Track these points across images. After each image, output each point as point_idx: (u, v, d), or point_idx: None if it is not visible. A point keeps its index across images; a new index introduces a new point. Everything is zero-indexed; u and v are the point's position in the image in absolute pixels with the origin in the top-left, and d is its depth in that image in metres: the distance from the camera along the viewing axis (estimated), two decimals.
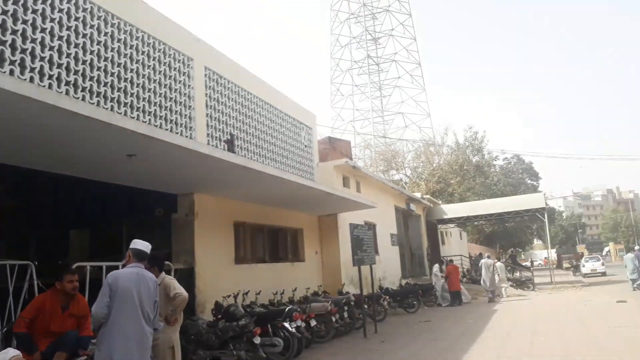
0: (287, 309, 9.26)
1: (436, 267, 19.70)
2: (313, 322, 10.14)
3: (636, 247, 33.00)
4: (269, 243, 13.21)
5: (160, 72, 9.78)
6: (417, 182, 37.16)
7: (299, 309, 9.69)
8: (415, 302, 16.82)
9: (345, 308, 11.83)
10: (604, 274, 34.35)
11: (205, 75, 11.21)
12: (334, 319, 11.09)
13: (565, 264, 45.08)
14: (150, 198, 9.74)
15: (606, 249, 77.41)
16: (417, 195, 26.69)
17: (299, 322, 9.17)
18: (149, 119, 9.28)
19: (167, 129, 9.60)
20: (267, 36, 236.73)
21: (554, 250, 60.44)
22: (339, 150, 16.76)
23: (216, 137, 11.29)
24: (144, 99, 9.21)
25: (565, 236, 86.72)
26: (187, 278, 9.31)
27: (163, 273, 5.93)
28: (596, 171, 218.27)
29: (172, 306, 5.65)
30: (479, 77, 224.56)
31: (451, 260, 20.39)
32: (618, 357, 7.16)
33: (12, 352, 4.40)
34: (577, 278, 31.71)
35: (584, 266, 35.81)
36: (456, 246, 36.00)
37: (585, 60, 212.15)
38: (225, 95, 11.88)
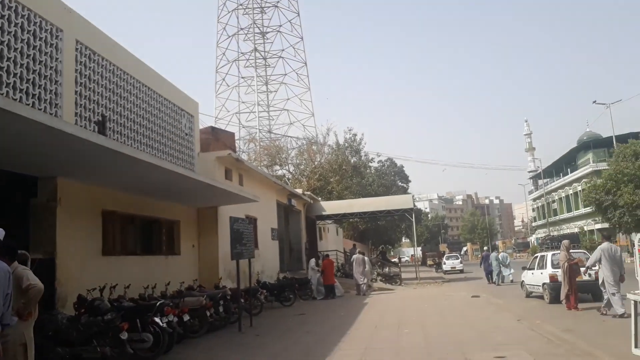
0: (158, 304, 8.82)
1: (313, 261, 20.19)
2: (186, 317, 9.79)
3: (485, 248, 36.92)
4: (142, 235, 12.48)
5: (23, 40, 8.73)
6: (299, 179, 37.71)
7: (171, 304, 9.29)
8: (291, 296, 17.05)
9: (221, 302, 11.60)
10: (461, 271, 37.80)
11: (77, 49, 10.25)
12: (208, 314, 10.80)
13: (429, 262, 48.87)
14: (6, 180, 8.66)
15: (464, 248, 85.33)
16: (299, 191, 27.09)
17: (171, 317, 8.78)
18: (7, 91, 8.23)
19: (28, 104, 8.60)
20: (149, 18, 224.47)
21: (420, 248, 65.29)
22: (222, 142, 16.36)
23: (86, 118, 10.37)
24: (1, 68, 8.15)
25: (430, 235, 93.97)
26: (47, 269, 8.42)
27: (16, 263, 5.28)
28: (458, 178, 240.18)
29: (24, 299, 5.06)
30: (362, 82, 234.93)
31: (327, 255, 21.00)
32: (471, 346, 7.85)
33: None
34: (439, 274, 34.47)
35: (444, 264, 39.13)
36: (333, 241, 37.22)
37: (455, 72, 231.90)
38: (98, 73, 10.95)
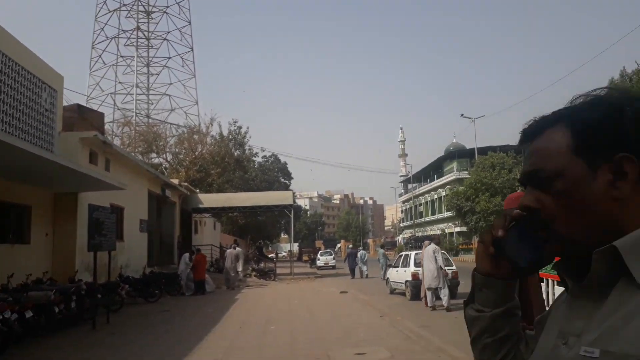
0: None
1: (187, 256, 19.36)
2: (29, 314, 8.70)
3: (350, 246, 38.62)
4: None
5: None
6: (177, 169, 36.08)
7: (10, 299, 8.19)
8: (157, 292, 16.17)
9: (74, 298, 10.53)
10: (334, 267, 39.01)
11: None
12: (57, 310, 9.74)
13: (305, 257, 49.92)
14: None
15: (338, 245, 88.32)
16: (175, 182, 25.86)
17: (9, 314, 7.73)
18: None
19: None
20: None
21: (297, 244, 66.35)
22: (89, 122, 14.94)
23: None
24: None
25: (307, 232, 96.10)
26: None
27: None
28: (338, 178, 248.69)
29: None
30: (251, 75, 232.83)
31: (199, 250, 20.29)
32: (335, 342, 7.96)
33: None
34: (313, 270, 35.21)
35: (319, 259, 40.10)
36: (209, 236, 36.22)
37: (341, 77, 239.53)
38: None
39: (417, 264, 14.65)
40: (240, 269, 21.98)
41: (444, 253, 15.17)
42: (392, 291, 16.78)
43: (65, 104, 15.25)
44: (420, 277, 13.62)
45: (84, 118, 14.93)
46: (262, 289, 20.61)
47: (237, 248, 23.61)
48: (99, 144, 14.64)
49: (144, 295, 15.91)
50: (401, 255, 16.81)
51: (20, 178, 11.53)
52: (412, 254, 15.36)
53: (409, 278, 14.68)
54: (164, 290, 17.28)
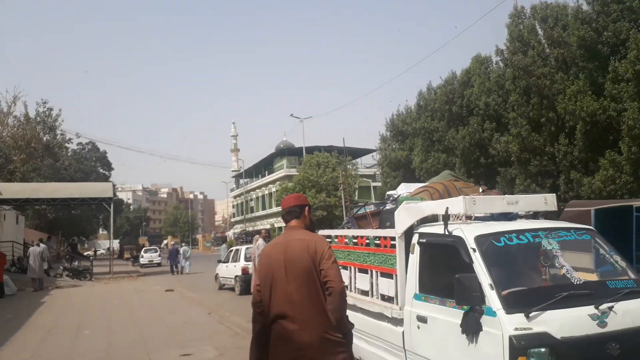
0: None
1: None
2: None
3: (172, 242, 37.42)
4: None
5: None
6: None
7: None
8: None
9: None
10: (159, 264, 37.12)
11: None
12: None
13: (127, 255, 46.62)
14: None
15: (165, 241, 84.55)
16: None
17: None
18: None
19: None
20: None
21: (118, 240, 61.67)
22: None
23: None
24: None
25: (130, 228, 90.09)
26: None
27: None
28: (166, 171, 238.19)
29: None
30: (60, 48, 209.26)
31: None
32: (158, 344, 7.43)
33: None
34: (136, 268, 33.06)
35: (142, 257, 37.77)
36: (11, 231, 31.45)
37: (170, 68, 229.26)
38: None
39: (248, 258, 14.63)
40: (45, 267, 19.71)
41: None
42: (222, 287, 16.51)
43: None
44: (251, 271, 13.63)
45: None
46: (76, 289, 18.59)
47: (42, 245, 21.06)
48: None
49: None
50: (231, 250, 16.63)
51: None
52: (243, 248, 15.30)
53: (239, 273, 14.58)
54: None
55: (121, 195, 78.58)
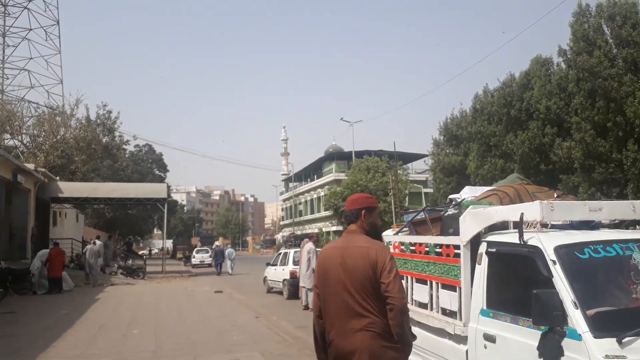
0: None
1: (44, 252, 17.17)
2: None
3: (216, 244, 38.09)
4: None
5: None
6: (35, 153, 32.17)
7: None
8: (0, 290, 14.05)
9: None
10: (210, 265, 37.69)
11: None
12: None
13: (179, 255, 47.75)
14: None
15: (216, 242, 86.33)
16: (30, 166, 22.92)
17: None
18: None
19: None
20: None
21: (172, 240, 63.40)
22: None
23: None
24: None
25: (184, 228, 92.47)
26: None
27: None
28: (219, 174, 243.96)
29: None
30: (125, 57, 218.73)
31: (57, 244, 18.13)
32: (205, 347, 7.30)
33: None
34: (187, 268, 33.70)
35: (194, 257, 38.51)
36: (71, 229, 32.91)
37: (225, 68, 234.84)
38: None
39: (296, 262, 14.45)
40: (101, 264, 20.55)
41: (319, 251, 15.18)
42: (269, 290, 16.40)
43: None
44: (298, 275, 13.43)
45: None
46: (129, 288, 19.03)
47: (98, 242, 21.93)
48: None
49: None
50: (280, 253, 16.50)
51: None
52: (291, 251, 15.10)
53: (287, 276, 14.41)
54: (10, 289, 15.12)
55: (175, 196, 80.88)
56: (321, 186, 59.33)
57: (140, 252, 47.32)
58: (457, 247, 3.83)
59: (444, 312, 4.03)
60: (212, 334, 8.40)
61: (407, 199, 44.32)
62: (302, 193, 68.01)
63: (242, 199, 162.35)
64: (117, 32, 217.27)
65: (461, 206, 4.17)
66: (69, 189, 25.17)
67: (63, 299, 14.95)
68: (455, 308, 3.84)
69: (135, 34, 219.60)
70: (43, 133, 33.74)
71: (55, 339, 8.09)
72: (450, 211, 4.42)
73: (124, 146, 39.88)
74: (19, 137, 33.42)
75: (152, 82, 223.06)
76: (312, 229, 61.34)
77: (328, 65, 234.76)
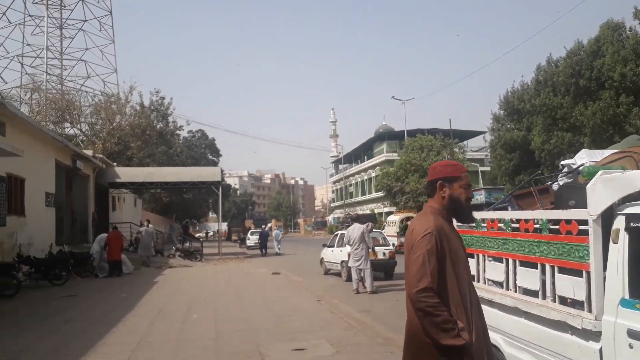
0: None
1: (103, 235, 17.41)
2: None
3: (262, 226, 38.36)
4: None
5: None
6: (93, 140, 33.06)
7: None
8: (63, 273, 14.29)
9: None
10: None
11: None
12: None
13: (234, 237, 48.37)
14: None
15: (269, 224, 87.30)
16: (88, 153, 23.41)
17: None
18: None
19: None
20: None
21: (226, 223, 64.42)
22: None
23: None
24: None
25: (237, 211, 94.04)
26: None
27: None
28: (269, 157, 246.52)
29: None
30: (177, 45, 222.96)
31: (115, 227, 18.35)
32: (268, 334, 6.84)
33: None
34: (242, 249, 33.88)
35: (249, 239, 38.70)
36: (129, 213, 33.75)
37: (274, 52, 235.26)
38: None
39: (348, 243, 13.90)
40: (153, 246, 21.67)
41: (380, 232, 14.49)
42: (327, 272, 15.93)
43: None
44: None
45: None
46: (186, 270, 19.08)
47: (150, 225, 22.36)
48: None
49: (49, 277, 14.00)
50: (336, 235, 15.93)
51: None
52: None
53: (345, 258, 13.82)
54: (73, 272, 15.39)
55: (228, 180, 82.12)
56: (372, 167, 58.33)
57: (197, 235, 48.15)
58: (584, 222, 3.05)
59: (564, 301, 3.28)
60: (274, 319, 7.95)
61: None
62: (353, 175, 67.23)
63: (292, 182, 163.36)
64: (166, 17, 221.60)
65: (579, 173, 3.37)
66: (125, 174, 25.60)
67: (122, 282, 15.06)
68: (581, 297, 3.08)
69: (184, 17, 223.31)
70: (100, 121, 34.61)
71: (114, 324, 7.88)
72: (562, 180, 3.63)
73: (178, 132, 40.47)
74: (78, 125, 34.45)
75: (202, 67, 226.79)
76: (364, 210, 60.62)
77: (377, 44, 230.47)
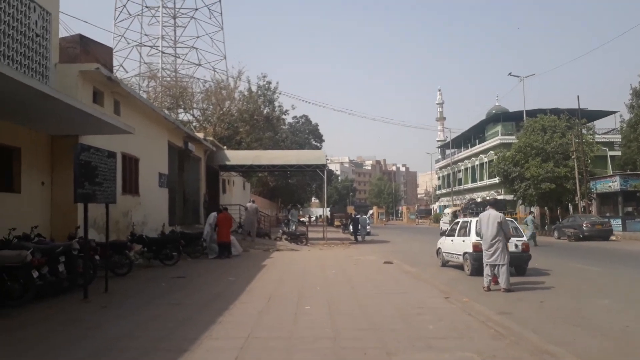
0: None
1: (213, 215, 17.36)
2: None
3: (354, 213, 37.17)
4: None
5: None
6: (205, 126, 34.06)
7: None
8: (174, 253, 14.24)
9: (62, 259, 8.54)
10: (369, 233, 36.84)
11: None
12: (35, 275, 7.75)
13: (337, 222, 47.96)
14: None
15: (370, 211, 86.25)
16: (200, 135, 23.77)
17: None
18: None
19: None
20: None
21: (328, 209, 64.42)
22: (93, 56, 12.71)
23: None
24: None
25: (338, 197, 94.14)
26: None
27: None
28: (369, 144, 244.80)
29: None
30: (283, 29, 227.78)
31: (225, 209, 18.22)
32: (398, 340, 5.61)
33: None
34: (346, 235, 33.08)
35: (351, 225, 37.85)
36: (239, 196, 34.38)
37: (378, 35, 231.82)
38: None
39: (479, 233, 12.19)
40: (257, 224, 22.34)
41: (511, 221, 12.61)
42: (445, 263, 14.38)
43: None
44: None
45: (87, 51, 12.70)
46: (293, 254, 18.52)
47: (254, 203, 23.06)
48: (104, 81, 12.41)
49: (160, 257, 14.03)
50: (457, 222, 14.28)
51: (5, 114, 9.48)
52: (473, 221, 12.79)
53: (469, 249, 12.21)
54: (183, 252, 15.39)
55: (330, 167, 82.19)
56: (484, 151, 54.60)
57: (301, 219, 48.42)
58: None
59: None
60: (399, 318, 6.70)
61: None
62: (462, 160, 63.65)
63: (394, 168, 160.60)
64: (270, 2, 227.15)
65: None
66: (235, 156, 25.74)
67: (231, 264, 14.73)
68: None
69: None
70: (210, 107, 35.57)
71: (221, 311, 7.15)
72: None
73: (283, 116, 40.61)
74: (191, 111, 35.67)
75: (304, 50, 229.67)
76: (474, 198, 57.19)
77: (488, 19, 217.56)
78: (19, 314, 7.07)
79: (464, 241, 12.74)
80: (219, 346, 5.28)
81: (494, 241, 9.73)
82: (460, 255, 12.95)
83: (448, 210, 40.96)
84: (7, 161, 10.38)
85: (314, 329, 6.05)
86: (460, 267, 13.33)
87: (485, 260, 9.95)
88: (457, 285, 10.56)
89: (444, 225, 34.15)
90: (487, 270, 9.97)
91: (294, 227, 27.17)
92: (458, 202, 57.90)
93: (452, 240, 13.70)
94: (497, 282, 9.97)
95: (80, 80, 11.64)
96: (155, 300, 8.35)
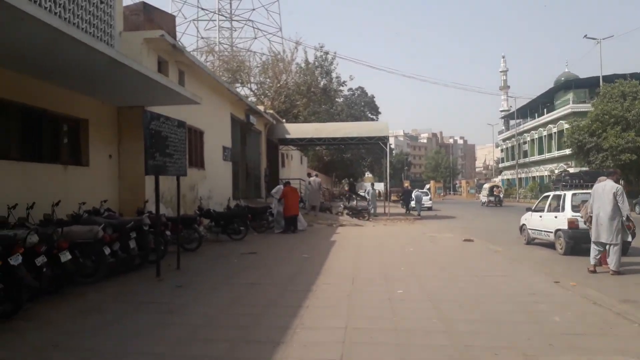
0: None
1: (279, 188, 16.85)
2: (66, 256, 6.32)
3: (406, 185, 35.97)
4: (23, 132, 8.68)
5: None
6: (262, 100, 33.61)
7: (30, 235, 5.71)
8: (242, 228, 13.83)
9: (133, 235, 8.14)
10: (430, 208, 35.60)
11: None
12: (107, 251, 7.36)
13: (394, 197, 46.81)
14: None
15: (427, 186, 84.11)
16: (260, 108, 23.25)
17: (18, 258, 5.28)
18: None
19: None
20: None
21: (383, 183, 63.17)
22: (157, 24, 12.20)
23: None
24: None
25: (393, 172, 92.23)
26: None
27: None
28: (424, 116, 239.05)
29: None
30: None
31: (288, 182, 17.65)
32: (524, 334, 4.71)
33: None
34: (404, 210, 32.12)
35: (412, 200, 36.63)
36: (296, 170, 33.95)
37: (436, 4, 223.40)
38: None
39: (576, 207, 10.93)
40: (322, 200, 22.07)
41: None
42: (530, 241, 13.17)
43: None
44: (582, 225, 10.01)
45: (150, 19, 12.20)
46: (358, 229, 17.78)
47: (318, 178, 22.87)
48: (168, 50, 11.90)
49: (228, 231, 13.66)
50: (547, 196, 12.98)
51: (72, 83, 9.14)
52: (569, 194, 11.50)
53: (564, 226, 10.99)
54: (250, 227, 14.98)
55: None
56: (553, 121, 51.32)
57: (360, 193, 47.69)
58: None
59: None
60: (516, 308, 5.74)
61: None
62: (528, 130, 60.30)
63: (451, 141, 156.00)
64: None
65: None
66: (295, 130, 25.14)
67: (299, 239, 14.18)
68: None
69: None
70: (267, 80, 35.01)
71: (305, 294, 6.49)
72: None
73: (340, 87, 39.50)
74: (248, 85, 35.27)
75: (362, 20, 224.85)
76: (541, 171, 54.26)
77: None
78: (93, 294, 6.69)
79: (556, 217, 11.50)
80: (316, 339, 4.57)
81: (609, 217, 8.49)
82: (551, 232, 11.73)
83: (486, 185, 47.82)
84: (75, 134, 10.10)
85: (419, 319, 5.24)
86: (549, 245, 12.13)
87: (593, 238, 8.76)
88: (552, 266, 9.46)
89: (483, 198, 43.78)
90: (594, 251, 8.79)
91: (354, 202, 26.42)
92: (523, 175, 55.01)
93: (540, 217, 12.46)
94: (605, 263, 8.79)
95: (145, 48, 11.17)
96: (232, 279, 7.82)
